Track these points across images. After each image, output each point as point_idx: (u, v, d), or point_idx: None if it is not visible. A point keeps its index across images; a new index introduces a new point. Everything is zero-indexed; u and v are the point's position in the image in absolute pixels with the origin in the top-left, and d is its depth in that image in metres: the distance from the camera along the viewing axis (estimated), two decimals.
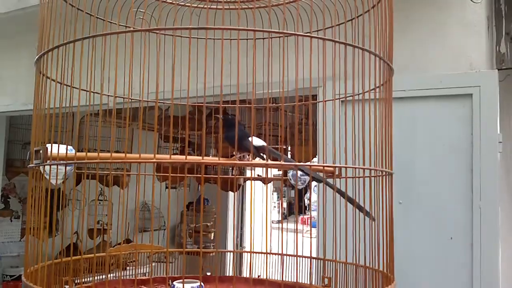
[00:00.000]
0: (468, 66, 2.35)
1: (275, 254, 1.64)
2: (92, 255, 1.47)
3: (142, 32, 1.22)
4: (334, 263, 1.41)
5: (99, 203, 4.61)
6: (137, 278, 1.54)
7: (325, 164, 1.30)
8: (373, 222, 1.21)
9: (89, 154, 1.08)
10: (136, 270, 1.58)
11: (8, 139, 4.78)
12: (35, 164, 1.07)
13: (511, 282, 2.53)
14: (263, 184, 5.88)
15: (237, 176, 4.64)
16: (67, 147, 1.09)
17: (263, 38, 1.66)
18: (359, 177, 1.26)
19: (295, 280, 1.62)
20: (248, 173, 5.81)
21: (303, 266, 1.71)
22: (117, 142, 3.92)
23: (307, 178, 1.55)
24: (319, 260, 1.49)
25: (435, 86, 2.36)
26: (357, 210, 1.27)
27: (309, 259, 1.43)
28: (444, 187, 2.32)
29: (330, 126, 1.39)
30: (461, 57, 2.37)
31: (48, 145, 1.07)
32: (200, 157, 1.34)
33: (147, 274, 1.81)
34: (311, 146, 3.24)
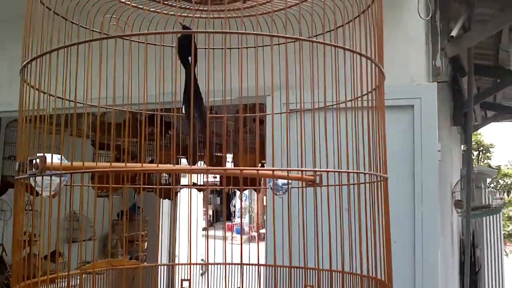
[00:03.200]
0: (410, 79, 2.50)
1: (251, 264, 1.64)
2: (65, 273, 1.43)
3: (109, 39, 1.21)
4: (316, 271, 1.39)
5: (26, 213, 4.41)
6: None
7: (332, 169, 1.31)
8: (370, 229, 1.22)
9: (74, 163, 1.06)
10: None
11: None
12: (29, 175, 1.02)
13: (445, 275, 2.69)
14: (197, 191, 5.86)
15: (184, 186, 4.59)
16: (61, 157, 1.05)
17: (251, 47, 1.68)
18: (347, 184, 1.27)
19: None
20: (183, 180, 5.78)
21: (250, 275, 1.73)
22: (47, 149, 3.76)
23: (287, 187, 1.55)
24: (298, 269, 1.45)
25: None
26: (341, 216, 1.27)
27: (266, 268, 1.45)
28: (389, 194, 2.43)
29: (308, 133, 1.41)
30: (403, 70, 2.51)
31: (40, 154, 1.03)
32: (139, 164, 1.31)
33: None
34: (257, 153, 3.29)
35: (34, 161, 1.00)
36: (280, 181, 1.56)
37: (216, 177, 5.42)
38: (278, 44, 1.38)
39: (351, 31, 1.35)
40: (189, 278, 1.70)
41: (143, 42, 1.61)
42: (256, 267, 1.49)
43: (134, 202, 5.95)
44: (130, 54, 1.43)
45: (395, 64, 2.52)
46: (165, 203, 6.28)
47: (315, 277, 1.37)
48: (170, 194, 4.60)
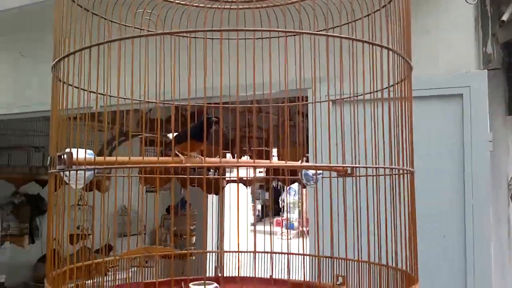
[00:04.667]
0: (458, 67, 2.40)
1: (280, 253, 1.64)
2: (101, 260, 1.45)
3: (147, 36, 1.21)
4: (345, 261, 1.40)
5: (79, 208, 4.54)
6: (144, 282, 1.52)
7: (345, 165, 1.29)
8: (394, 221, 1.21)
9: (108, 158, 1.07)
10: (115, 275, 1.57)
11: None
12: (58, 169, 1.04)
13: (500, 274, 2.58)
14: (243, 186, 5.88)
15: (227, 178, 4.61)
16: (85, 151, 1.07)
17: (265, 38, 1.66)
18: (376, 175, 1.26)
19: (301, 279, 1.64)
20: (228, 175, 5.80)
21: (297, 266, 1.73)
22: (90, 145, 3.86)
23: (319, 177, 1.55)
24: (326, 259, 1.48)
25: (426, 87, 2.39)
26: (370, 208, 1.26)
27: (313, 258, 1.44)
28: (436, 186, 2.36)
29: (337, 125, 1.39)
30: (451, 58, 2.41)
31: (68, 150, 1.05)
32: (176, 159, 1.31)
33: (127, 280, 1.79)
34: (301, 146, 3.24)
35: (62, 156, 1.01)
36: (310, 172, 1.54)
37: (262, 172, 5.42)
38: (320, 34, 1.35)
39: (374, 23, 1.31)
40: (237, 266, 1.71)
41: (187, 36, 1.61)
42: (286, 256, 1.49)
43: (182, 197, 6.03)
44: (174, 49, 1.43)
45: (441, 52, 2.44)
46: (214, 198, 6.33)
47: (344, 267, 1.36)
48: (217, 189, 4.62)
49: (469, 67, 2.38)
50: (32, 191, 5.17)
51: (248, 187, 6.21)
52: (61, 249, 1.23)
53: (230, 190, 6.41)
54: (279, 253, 1.67)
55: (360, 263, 1.34)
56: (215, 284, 1.48)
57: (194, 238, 6.00)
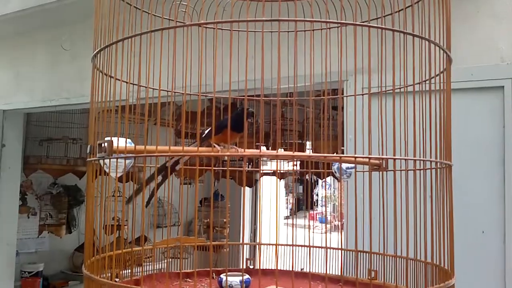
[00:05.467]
0: (499, 58, 2.34)
1: (318, 247, 1.63)
2: (140, 248, 1.48)
3: (188, 26, 1.21)
4: (381, 256, 1.39)
5: (115, 199, 4.62)
6: (182, 271, 1.54)
7: (385, 156, 1.27)
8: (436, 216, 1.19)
9: (148, 147, 1.08)
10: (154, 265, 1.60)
11: (25, 136, 4.79)
12: (99, 157, 1.06)
13: None
14: (278, 179, 5.88)
15: (263, 171, 4.61)
16: (126, 140, 1.08)
17: (304, 31, 1.65)
18: (413, 170, 1.24)
19: (337, 273, 1.63)
20: (266, 169, 5.81)
21: (333, 259, 1.72)
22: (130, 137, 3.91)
23: (352, 171, 1.53)
24: (364, 253, 1.46)
25: (466, 79, 2.34)
26: (407, 203, 1.25)
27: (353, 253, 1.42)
28: (475, 180, 2.31)
29: (375, 117, 1.37)
30: (491, 49, 2.35)
31: (108, 138, 1.06)
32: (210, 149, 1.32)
33: (162, 269, 1.80)
34: (336, 140, 3.22)
35: (102, 144, 1.03)
36: (344, 165, 1.53)
37: (296, 165, 5.41)
38: (346, 25, 1.34)
39: (413, 14, 1.28)
40: (275, 257, 1.71)
41: (228, 30, 1.61)
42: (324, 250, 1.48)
43: (216, 189, 6.07)
44: (216, 40, 1.44)
45: (481, 44, 2.37)
46: (247, 191, 6.35)
47: (380, 262, 1.35)
48: (250, 181, 4.63)
49: (510, 58, 2.32)
50: (69, 182, 5.29)
51: (281, 180, 6.21)
52: (97, 239, 1.26)
53: (262, 183, 6.43)
54: (317, 247, 1.67)
55: (397, 258, 1.32)
56: (247, 276, 1.48)
57: (228, 230, 6.05)
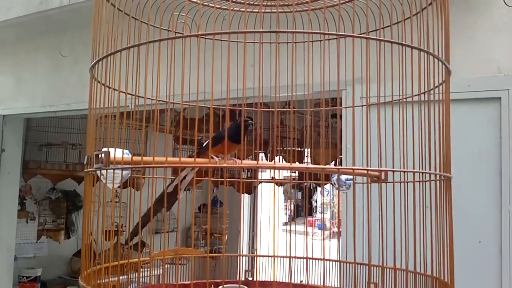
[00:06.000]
0: (496, 70, 2.35)
1: (317, 259, 1.64)
2: (137, 259, 1.48)
3: (188, 37, 1.23)
4: (380, 268, 1.38)
5: (116, 204, 4.63)
6: (179, 283, 1.54)
7: (383, 169, 1.28)
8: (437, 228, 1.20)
9: (145, 158, 1.09)
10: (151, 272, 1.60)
11: (25, 141, 4.80)
12: (96, 168, 1.07)
13: None
14: (276, 185, 5.89)
15: (261, 180, 4.62)
16: (123, 151, 1.09)
17: (303, 42, 1.67)
18: (412, 182, 1.25)
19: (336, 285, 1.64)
20: (260, 175, 5.82)
21: (331, 271, 1.72)
22: (126, 144, 3.92)
23: (351, 182, 1.54)
24: (362, 266, 1.45)
25: (463, 90, 2.35)
26: (406, 214, 1.25)
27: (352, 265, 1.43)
28: (472, 191, 2.32)
29: (374, 129, 1.38)
30: (489, 60, 2.37)
31: (105, 149, 1.08)
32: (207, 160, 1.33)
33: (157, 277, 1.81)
34: (335, 149, 3.24)
35: (99, 155, 1.04)
36: (344, 177, 1.53)
37: (295, 172, 5.42)
38: (345, 37, 1.36)
39: (417, 25, 1.29)
40: (273, 269, 1.71)
41: (226, 40, 1.63)
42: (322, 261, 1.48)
43: (214, 195, 6.08)
44: (213, 50, 1.45)
45: (479, 55, 2.39)
46: (246, 197, 6.36)
47: (379, 275, 1.35)
48: (249, 188, 4.64)
49: (508, 70, 2.33)
50: (68, 187, 5.29)
51: (280, 186, 6.22)
52: (96, 245, 1.27)
53: (261, 189, 6.43)
54: (314, 259, 1.67)
55: (397, 271, 1.32)
56: None
57: (226, 236, 6.04)
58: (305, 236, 1.63)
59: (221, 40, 1.59)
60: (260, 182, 5.24)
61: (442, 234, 1.21)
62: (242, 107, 1.28)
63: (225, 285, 1.40)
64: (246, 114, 1.80)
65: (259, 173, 5.45)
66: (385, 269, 1.29)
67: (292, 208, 14.71)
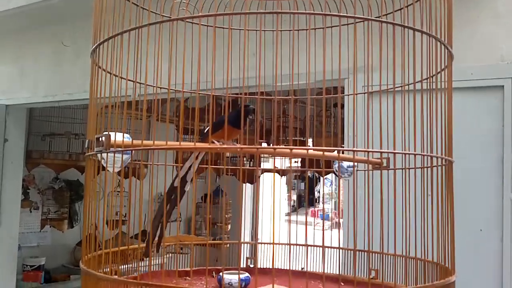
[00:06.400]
0: (499, 58, 2.34)
1: (316, 246, 1.64)
2: (136, 246, 1.49)
3: (175, 21, 1.22)
4: (380, 255, 1.39)
5: (117, 194, 4.64)
6: (178, 269, 1.55)
7: (374, 150, 1.27)
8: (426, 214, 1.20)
9: (145, 142, 1.09)
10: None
11: (28, 131, 4.82)
12: (97, 151, 1.08)
13: None
14: (278, 176, 5.89)
15: (262, 169, 4.63)
16: (123, 134, 1.10)
17: (305, 30, 1.66)
18: (414, 168, 1.25)
19: (335, 272, 1.64)
20: (262, 166, 5.82)
21: (331, 258, 1.72)
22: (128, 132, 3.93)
23: (352, 169, 1.54)
24: (362, 252, 1.46)
25: (466, 78, 2.35)
26: (408, 200, 1.25)
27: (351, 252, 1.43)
28: (474, 179, 2.32)
29: (376, 115, 1.38)
30: (491, 48, 2.36)
31: (106, 133, 1.08)
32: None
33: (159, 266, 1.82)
34: (331, 137, 3.23)
35: (100, 138, 1.05)
36: (345, 164, 1.53)
37: (297, 162, 5.42)
38: (347, 25, 1.35)
39: (414, 10, 1.29)
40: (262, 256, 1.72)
41: (227, 28, 1.62)
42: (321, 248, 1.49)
43: (217, 185, 6.09)
44: (214, 37, 1.45)
45: (482, 43, 2.38)
46: (248, 187, 6.37)
47: (379, 261, 1.35)
48: (252, 178, 4.65)
49: (511, 58, 2.32)
50: (71, 177, 5.31)
51: (282, 176, 6.22)
52: (98, 234, 1.27)
53: (264, 179, 6.44)
54: (314, 246, 1.67)
55: (396, 257, 1.32)
56: (247, 274, 1.50)
57: (229, 226, 6.06)
58: (309, 225, 1.63)
59: (222, 27, 1.58)
60: (263, 172, 5.25)
61: (443, 219, 1.21)
62: (242, 95, 1.28)
63: (224, 272, 1.41)
64: (249, 103, 1.80)
65: (262, 163, 5.46)
66: (385, 255, 1.29)
67: (289, 198, 14.72)
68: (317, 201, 14.40)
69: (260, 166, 4.85)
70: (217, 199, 6.03)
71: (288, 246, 1.54)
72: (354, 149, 1.19)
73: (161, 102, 1.43)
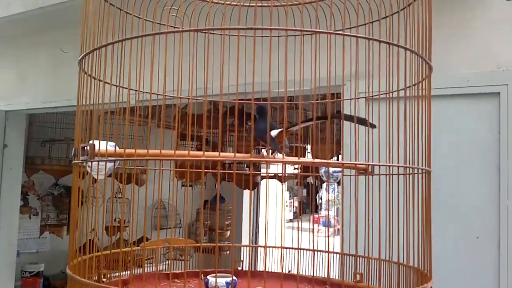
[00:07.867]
0: (495, 65, 2.34)
1: (306, 250, 1.65)
2: (129, 249, 1.49)
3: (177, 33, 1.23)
4: (366, 259, 1.40)
5: (116, 200, 4.64)
6: (171, 272, 1.55)
7: (358, 162, 1.29)
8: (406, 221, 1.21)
9: (127, 150, 1.09)
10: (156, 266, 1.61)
11: (28, 137, 4.83)
12: (82, 160, 1.08)
13: None
14: (279, 182, 5.88)
15: (256, 173, 4.63)
16: (107, 143, 1.10)
17: (294, 36, 1.66)
18: (397, 174, 1.25)
19: (324, 276, 1.65)
20: (263, 171, 5.82)
21: (325, 262, 1.73)
22: (130, 140, 3.92)
23: (339, 175, 1.55)
24: (350, 256, 1.48)
25: (462, 85, 2.34)
26: (391, 207, 1.27)
27: (338, 256, 1.44)
28: (470, 186, 2.31)
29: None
30: (488, 55, 2.35)
31: (91, 142, 1.08)
32: (217, 154, 1.35)
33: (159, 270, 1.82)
34: (332, 144, 3.24)
35: (85, 147, 1.05)
36: (332, 169, 1.54)
37: (297, 169, 5.42)
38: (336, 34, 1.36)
39: (392, 24, 1.30)
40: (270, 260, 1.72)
41: (221, 34, 1.63)
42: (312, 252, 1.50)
43: (215, 192, 6.08)
44: (208, 46, 1.45)
45: (478, 50, 2.38)
46: (247, 194, 6.36)
47: (365, 265, 1.37)
48: (252, 184, 4.64)
49: (507, 64, 2.32)
50: (71, 183, 5.30)
51: (283, 183, 6.21)
52: (97, 239, 1.27)
53: (266, 186, 6.43)
54: (304, 249, 1.68)
55: (380, 261, 1.34)
56: (231, 278, 1.49)
57: (228, 232, 6.04)
58: (298, 230, 1.63)
59: (213, 33, 1.59)
60: (263, 178, 5.24)
61: (423, 226, 1.22)
62: (236, 99, 1.27)
63: (211, 275, 1.41)
64: (246, 109, 1.80)
65: (261, 170, 5.45)
66: (371, 260, 1.31)
67: (297, 205, 14.71)
68: (320, 208, 14.37)
69: (251, 171, 4.85)
70: (214, 205, 6.01)
71: (281, 249, 1.56)
72: (343, 162, 1.20)
73: (162, 108, 1.45)
